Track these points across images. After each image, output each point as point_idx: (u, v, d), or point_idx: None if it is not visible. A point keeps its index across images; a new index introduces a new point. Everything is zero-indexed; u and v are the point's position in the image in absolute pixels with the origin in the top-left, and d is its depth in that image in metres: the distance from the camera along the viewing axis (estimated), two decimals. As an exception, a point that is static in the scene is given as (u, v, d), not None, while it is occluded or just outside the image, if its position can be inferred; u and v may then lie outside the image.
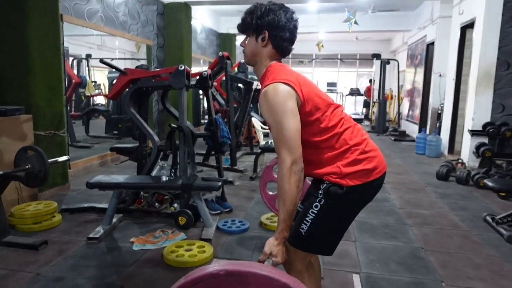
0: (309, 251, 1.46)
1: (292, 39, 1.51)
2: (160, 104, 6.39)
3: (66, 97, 4.63)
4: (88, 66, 9.46)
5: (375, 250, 2.73)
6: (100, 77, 11.75)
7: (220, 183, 2.93)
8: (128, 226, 3.08)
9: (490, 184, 3.13)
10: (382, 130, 10.37)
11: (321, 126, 1.43)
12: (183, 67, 3.30)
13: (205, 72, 3.95)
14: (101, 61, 3.30)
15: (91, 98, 9.49)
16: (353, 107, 15.72)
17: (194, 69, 7.39)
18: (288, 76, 1.42)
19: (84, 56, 9.26)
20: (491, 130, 5.03)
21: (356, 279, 2.31)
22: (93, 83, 8.26)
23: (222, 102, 5.68)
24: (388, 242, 2.90)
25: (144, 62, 8.65)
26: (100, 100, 11.11)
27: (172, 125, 3.36)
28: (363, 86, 16.21)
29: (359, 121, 13.87)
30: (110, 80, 8.12)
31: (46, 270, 2.32)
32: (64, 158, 3.12)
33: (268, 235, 2.83)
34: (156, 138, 3.42)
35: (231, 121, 5.13)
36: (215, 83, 6.03)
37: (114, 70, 3.55)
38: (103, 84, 9.70)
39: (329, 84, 16.05)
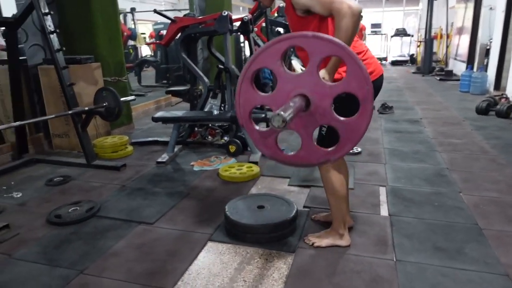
0: (331, 146, 1.84)
1: None
2: (205, 52, 6.78)
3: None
4: (133, 19, 9.96)
5: (402, 170, 3.07)
6: (143, 29, 12.29)
7: (264, 114, 3.34)
8: (187, 154, 3.64)
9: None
10: (428, 71, 10.09)
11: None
12: (226, 13, 3.61)
13: (246, 17, 4.23)
14: (155, 11, 3.69)
15: (139, 50, 10.07)
16: (399, 49, 15.08)
17: (235, 17, 7.57)
18: None
19: (129, 10, 9.73)
20: (537, 62, 4.91)
21: (382, 189, 2.70)
22: (142, 35, 8.74)
23: (263, 46, 5.92)
24: (415, 164, 3.21)
25: (185, 12, 8.92)
26: (146, 51, 11.71)
27: (220, 66, 3.75)
28: (410, 26, 15.42)
29: (404, 63, 13.42)
30: (157, 31, 8.57)
31: (129, 183, 2.94)
32: (132, 97, 3.68)
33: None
34: (206, 80, 3.85)
35: (272, 64, 5.43)
36: (255, 28, 6.26)
37: (158, 22, 3.95)
38: (147, 36, 10.09)
39: (373, 26, 15.43)
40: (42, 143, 3.87)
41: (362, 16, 1.55)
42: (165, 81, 8.50)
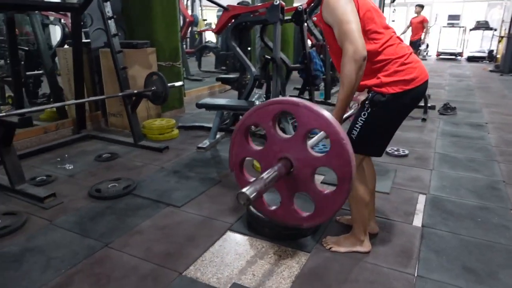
0: (360, 153, 1.74)
1: None
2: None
3: (181, 35, 5.33)
4: (200, 5, 10.24)
5: (449, 178, 2.83)
6: (211, 15, 12.60)
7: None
8: (228, 142, 3.71)
9: None
10: (508, 70, 9.10)
11: (369, 38, 1.58)
12: (278, 2, 3.54)
13: (300, 7, 4.14)
14: (208, -1, 3.75)
15: (203, 36, 10.36)
16: (478, 44, 13.71)
17: (296, 4, 7.35)
18: None
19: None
20: None
21: (421, 197, 2.52)
22: (204, 21, 8.96)
23: (320, 37, 5.75)
24: (467, 173, 2.94)
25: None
26: (211, 37, 12.01)
27: (266, 56, 3.73)
28: (494, 18, 13.93)
29: (481, 59, 12.23)
30: (219, 18, 8.72)
31: (167, 165, 3.08)
32: (180, 83, 3.81)
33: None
34: (253, 69, 3.84)
35: (327, 56, 5.27)
36: (314, 18, 6.09)
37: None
38: (214, 23, 10.33)
39: (451, 17, 14.18)
40: (99, 121, 4.19)
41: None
42: (224, 68, 8.65)
